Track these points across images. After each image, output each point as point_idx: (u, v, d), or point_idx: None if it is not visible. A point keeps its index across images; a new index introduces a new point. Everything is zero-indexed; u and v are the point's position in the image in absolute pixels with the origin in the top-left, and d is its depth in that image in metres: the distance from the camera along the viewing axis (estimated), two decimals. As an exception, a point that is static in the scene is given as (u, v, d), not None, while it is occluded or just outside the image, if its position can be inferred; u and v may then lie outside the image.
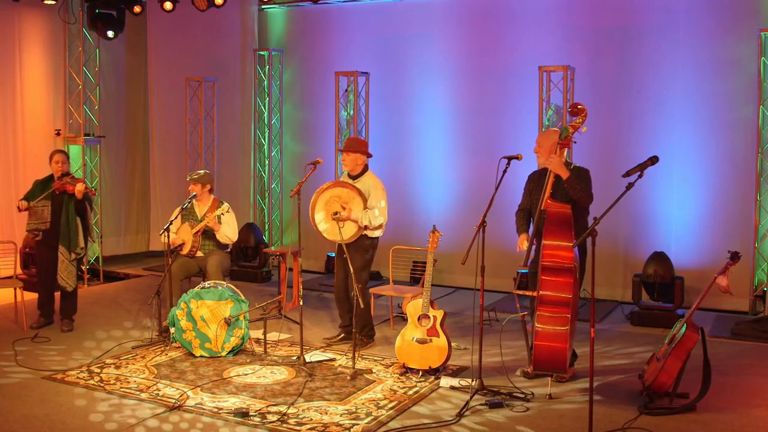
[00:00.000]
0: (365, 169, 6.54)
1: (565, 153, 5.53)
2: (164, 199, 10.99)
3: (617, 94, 8.45)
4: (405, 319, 5.96)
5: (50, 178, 7.05)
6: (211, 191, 7.25)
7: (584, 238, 4.41)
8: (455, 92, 9.37)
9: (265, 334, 6.40)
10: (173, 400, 5.19)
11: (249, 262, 9.75)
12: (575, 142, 5.56)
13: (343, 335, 6.71)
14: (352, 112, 9.68)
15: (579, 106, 5.46)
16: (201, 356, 6.22)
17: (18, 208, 6.93)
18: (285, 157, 10.58)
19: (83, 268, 9.66)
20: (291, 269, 8.68)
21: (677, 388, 5.05)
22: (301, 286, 6.26)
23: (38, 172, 7.14)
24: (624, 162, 8.13)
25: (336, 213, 6.27)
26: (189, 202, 7.08)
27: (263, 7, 10.52)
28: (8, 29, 9.33)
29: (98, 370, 5.84)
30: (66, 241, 6.95)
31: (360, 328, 6.44)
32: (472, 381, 5.43)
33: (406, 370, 5.84)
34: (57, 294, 7.14)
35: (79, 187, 6.92)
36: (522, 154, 5.45)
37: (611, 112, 8.39)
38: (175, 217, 6.98)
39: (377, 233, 6.52)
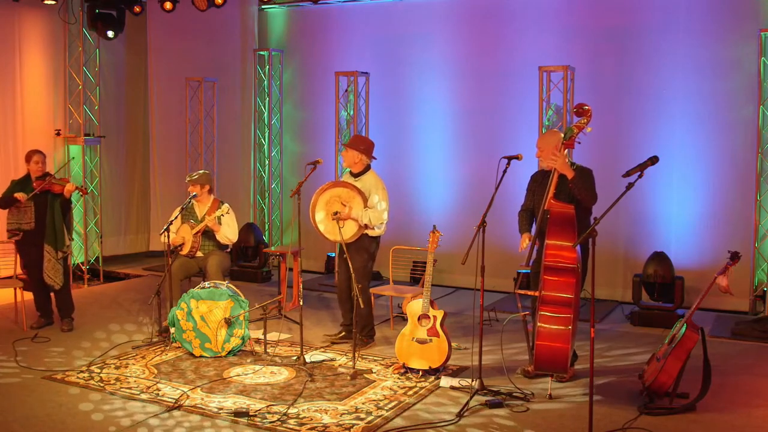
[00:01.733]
0: (367, 168, 6.53)
1: (566, 153, 5.53)
2: (164, 199, 10.99)
3: (617, 94, 8.46)
4: (405, 319, 5.96)
5: (28, 178, 7.03)
6: (210, 191, 7.25)
7: (584, 238, 4.41)
8: (455, 92, 9.38)
9: (265, 334, 6.40)
10: (173, 400, 5.19)
11: (249, 262, 9.75)
12: (579, 143, 5.56)
13: (344, 333, 6.71)
14: (352, 112, 9.68)
15: (584, 107, 5.45)
16: (201, 356, 6.22)
17: (18, 200, 6.88)
18: (285, 157, 10.58)
19: (83, 267, 9.68)
20: (291, 269, 8.69)
21: (677, 388, 5.05)
22: (301, 286, 6.26)
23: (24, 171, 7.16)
24: (624, 162, 8.12)
25: (336, 213, 6.27)
26: (189, 202, 7.08)
27: (263, 7, 10.52)
28: (8, 29, 9.33)
29: (98, 370, 5.84)
30: (52, 240, 6.94)
31: (360, 328, 6.44)
32: (472, 381, 5.43)
33: (406, 370, 5.84)
34: (52, 294, 7.15)
35: (69, 187, 6.93)
36: (522, 154, 5.45)
37: (611, 112, 8.38)
38: (175, 217, 6.98)
39: (378, 232, 6.52)
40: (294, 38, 10.47)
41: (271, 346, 6.47)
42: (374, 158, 6.58)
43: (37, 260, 6.96)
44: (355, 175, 6.54)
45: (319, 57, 10.19)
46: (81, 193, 7.33)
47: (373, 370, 5.91)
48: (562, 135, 5.56)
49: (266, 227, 10.56)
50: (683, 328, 5.04)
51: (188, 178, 7.23)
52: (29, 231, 6.93)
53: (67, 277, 7.16)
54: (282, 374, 5.79)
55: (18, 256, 7.17)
